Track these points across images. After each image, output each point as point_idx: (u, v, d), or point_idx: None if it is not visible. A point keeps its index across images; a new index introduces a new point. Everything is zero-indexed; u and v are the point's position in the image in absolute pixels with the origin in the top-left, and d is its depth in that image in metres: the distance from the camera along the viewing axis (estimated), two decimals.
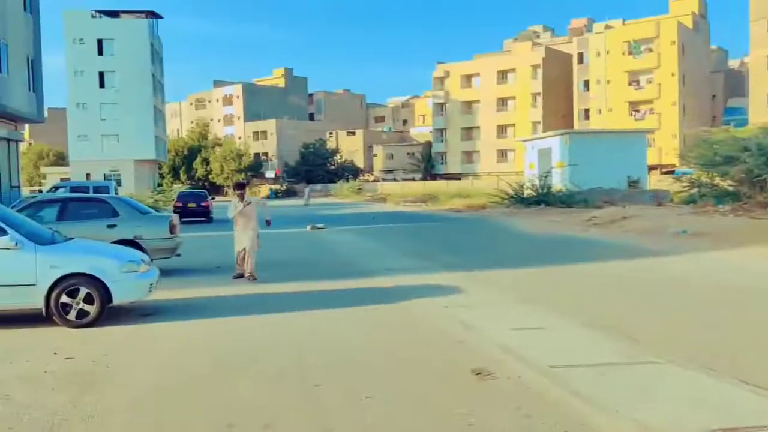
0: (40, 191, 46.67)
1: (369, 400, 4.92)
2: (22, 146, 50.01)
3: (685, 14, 66.35)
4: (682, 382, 5.29)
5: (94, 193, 23.86)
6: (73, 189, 26.53)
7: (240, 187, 12.02)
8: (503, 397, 4.95)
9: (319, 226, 24.00)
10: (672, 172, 45.47)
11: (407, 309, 8.51)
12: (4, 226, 7.35)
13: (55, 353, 6.39)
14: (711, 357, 5.88)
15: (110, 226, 11.71)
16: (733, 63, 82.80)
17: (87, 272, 7.51)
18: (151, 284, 8.07)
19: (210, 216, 30.88)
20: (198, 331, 7.40)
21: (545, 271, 12.09)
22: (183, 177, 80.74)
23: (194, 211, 30.53)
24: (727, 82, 72.45)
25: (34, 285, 7.36)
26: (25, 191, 43.40)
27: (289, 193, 74.97)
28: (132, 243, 11.53)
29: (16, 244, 7.27)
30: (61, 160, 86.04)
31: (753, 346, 6.31)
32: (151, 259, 11.91)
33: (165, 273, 12.09)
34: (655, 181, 40.44)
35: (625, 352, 6.13)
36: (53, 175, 69.78)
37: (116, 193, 26.69)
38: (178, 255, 12.58)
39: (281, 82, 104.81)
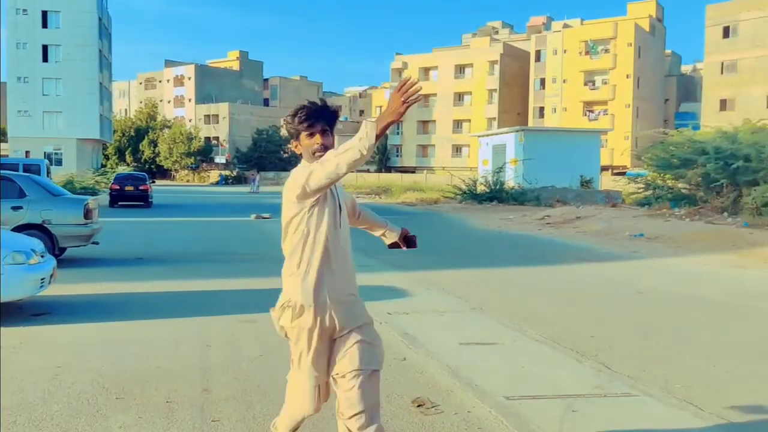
0: None
1: None
2: None
3: (643, 17, 66.82)
4: (663, 421, 4.40)
5: (24, 171, 22.11)
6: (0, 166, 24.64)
7: None
8: None
9: (265, 215, 22.81)
10: (624, 174, 45.56)
11: None
12: None
13: None
14: (689, 386, 5.03)
15: (15, 208, 10.33)
16: (686, 68, 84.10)
17: None
18: (42, 279, 6.84)
19: (149, 200, 29.28)
20: (90, 339, 6.21)
21: (500, 274, 11.23)
22: (129, 159, 78.00)
23: (132, 194, 28.91)
24: (679, 86, 73.47)
25: None
26: None
27: (239, 180, 73.03)
28: (40, 228, 10.24)
29: None
30: (2, 136, 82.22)
31: (733, 373, 5.49)
32: (60, 248, 10.68)
33: (77, 263, 10.92)
34: (607, 182, 40.33)
35: (593, 380, 5.24)
36: None
37: (48, 173, 24.87)
38: (96, 243, 11.30)
39: (236, 65, 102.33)
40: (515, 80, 72.51)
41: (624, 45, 63.19)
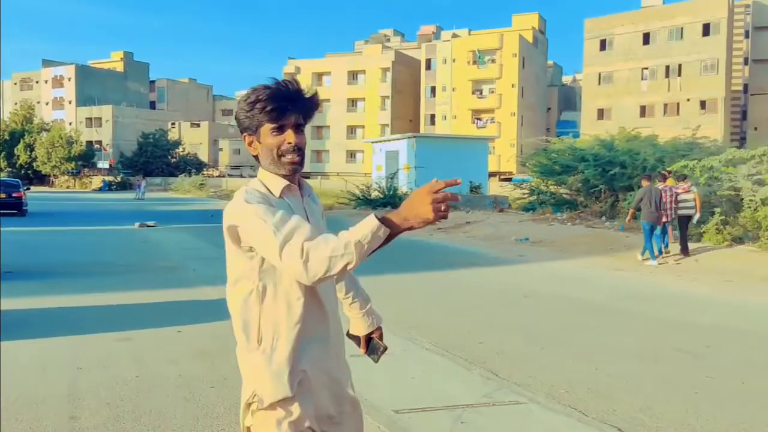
0: None
1: None
2: None
3: (527, 29, 69.66)
4: (550, 428, 4.44)
5: None
6: None
7: None
8: None
9: (149, 223, 21.82)
10: (510, 180, 47.25)
11: (232, 330, 7.17)
12: None
13: None
14: (573, 391, 5.14)
15: None
16: (567, 79, 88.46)
17: None
18: None
19: (23, 209, 27.34)
20: None
21: (391, 280, 11.21)
22: (3, 164, 72.80)
23: (4, 202, 26.88)
24: (561, 96, 77.16)
25: None
26: None
27: (124, 186, 69.80)
28: None
29: None
30: None
31: (614, 376, 5.67)
32: None
33: None
34: (494, 188, 41.63)
35: (482, 388, 5.24)
36: None
37: None
38: None
39: (120, 66, 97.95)
40: (407, 87, 73.66)
41: (509, 55, 65.59)
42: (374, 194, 33.03)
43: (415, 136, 37.80)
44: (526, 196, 28.32)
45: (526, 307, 8.95)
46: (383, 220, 1.74)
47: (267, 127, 2.04)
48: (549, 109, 74.45)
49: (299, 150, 2.04)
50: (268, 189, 2.05)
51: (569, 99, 77.55)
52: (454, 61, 68.07)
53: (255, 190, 2.01)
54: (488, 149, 41.92)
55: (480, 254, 15.21)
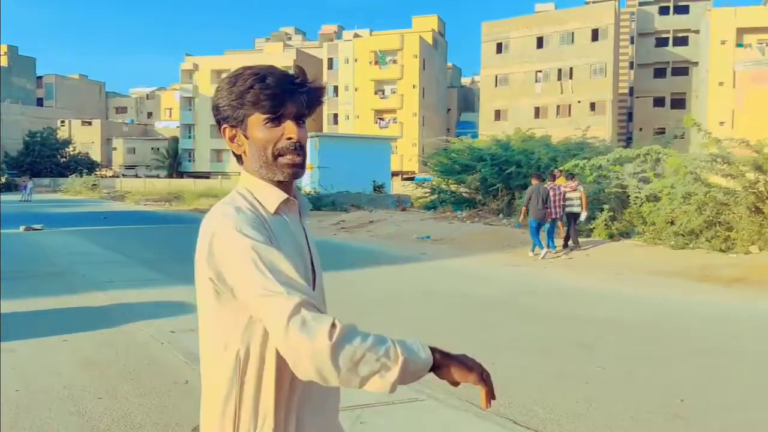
0: None
1: None
2: None
3: (426, 31, 70.80)
4: (449, 424, 4.49)
5: None
6: None
7: None
8: None
9: (36, 227, 20.58)
10: (412, 179, 47.94)
11: (123, 337, 6.86)
12: None
13: None
14: (471, 387, 5.22)
15: None
16: (466, 80, 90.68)
17: None
18: None
19: None
20: None
21: None
22: None
23: None
24: (460, 97, 78.99)
25: None
26: None
27: (9, 187, 65.60)
28: None
29: None
30: None
31: (512, 370, 5.82)
32: None
33: None
34: (397, 187, 42.12)
35: None
36: None
37: None
38: None
39: (3, 61, 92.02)
40: None
41: (410, 56, 66.47)
42: None
43: (318, 136, 37.66)
44: (427, 195, 28.81)
45: (426, 304, 9.07)
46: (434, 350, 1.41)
47: (259, 118, 1.53)
48: (449, 109, 76.03)
49: (301, 148, 1.56)
50: (258, 202, 1.54)
51: (468, 100, 79.52)
52: (356, 61, 68.29)
53: (247, 209, 1.48)
54: (391, 149, 42.34)
55: (382, 253, 15.30)
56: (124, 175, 74.09)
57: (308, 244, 1.65)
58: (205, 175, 69.60)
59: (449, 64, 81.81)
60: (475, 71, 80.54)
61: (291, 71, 1.59)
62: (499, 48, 60.63)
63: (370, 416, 4.54)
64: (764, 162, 13.79)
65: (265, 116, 1.53)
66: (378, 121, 67.85)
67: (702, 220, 14.11)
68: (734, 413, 4.78)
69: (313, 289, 1.54)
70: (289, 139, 1.54)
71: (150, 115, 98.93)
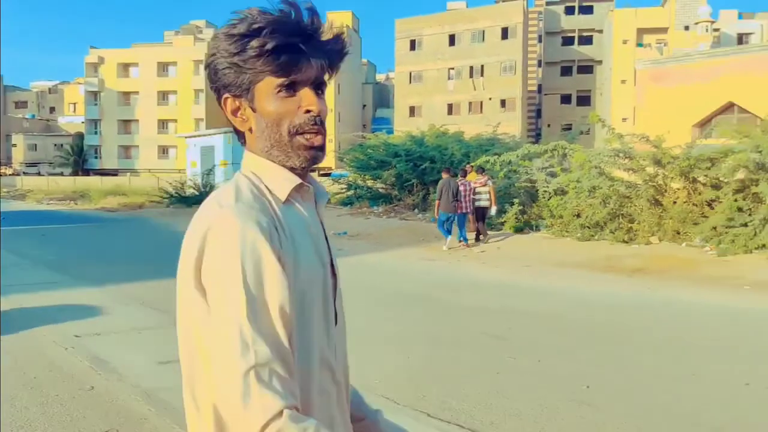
0: None
1: None
2: None
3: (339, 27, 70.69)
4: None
5: None
6: None
7: None
8: None
9: None
10: (329, 174, 47.76)
11: (22, 343, 6.51)
12: None
13: None
14: (387, 380, 5.26)
15: None
16: (381, 77, 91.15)
17: None
18: None
19: None
20: None
21: None
22: None
23: None
24: (375, 93, 79.35)
25: None
26: None
27: None
28: None
29: None
30: None
31: (427, 363, 5.90)
32: None
33: None
34: None
35: None
36: None
37: None
38: None
39: None
40: None
41: None
42: (189, 191, 31.88)
43: (231, 131, 36.90)
44: (344, 190, 28.77)
45: (344, 300, 9.04)
46: None
47: (269, 83, 1.21)
48: (365, 106, 76.26)
49: (322, 124, 1.25)
50: (267, 188, 1.25)
51: (383, 96, 79.98)
52: None
53: (251, 195, 1.21)
54: None
55: None
56: (25, 173, 70.36)
57: (327, 240, 1.37)
58: (113, 173, 67.11)
59: (364, 60, 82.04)
60: (390, 68, 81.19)
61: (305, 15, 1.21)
62: (413, 45, 61.25)
63: None
64: (663, 156, 14.54)
65: (278, 82, 1.21)
66: None
67: (606, 213, 14.75)
68: (638, 397, 5.02)
69: (334, 298, 1.37)
70: (308, 112, 1.23)
71: (53, 110, 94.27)
